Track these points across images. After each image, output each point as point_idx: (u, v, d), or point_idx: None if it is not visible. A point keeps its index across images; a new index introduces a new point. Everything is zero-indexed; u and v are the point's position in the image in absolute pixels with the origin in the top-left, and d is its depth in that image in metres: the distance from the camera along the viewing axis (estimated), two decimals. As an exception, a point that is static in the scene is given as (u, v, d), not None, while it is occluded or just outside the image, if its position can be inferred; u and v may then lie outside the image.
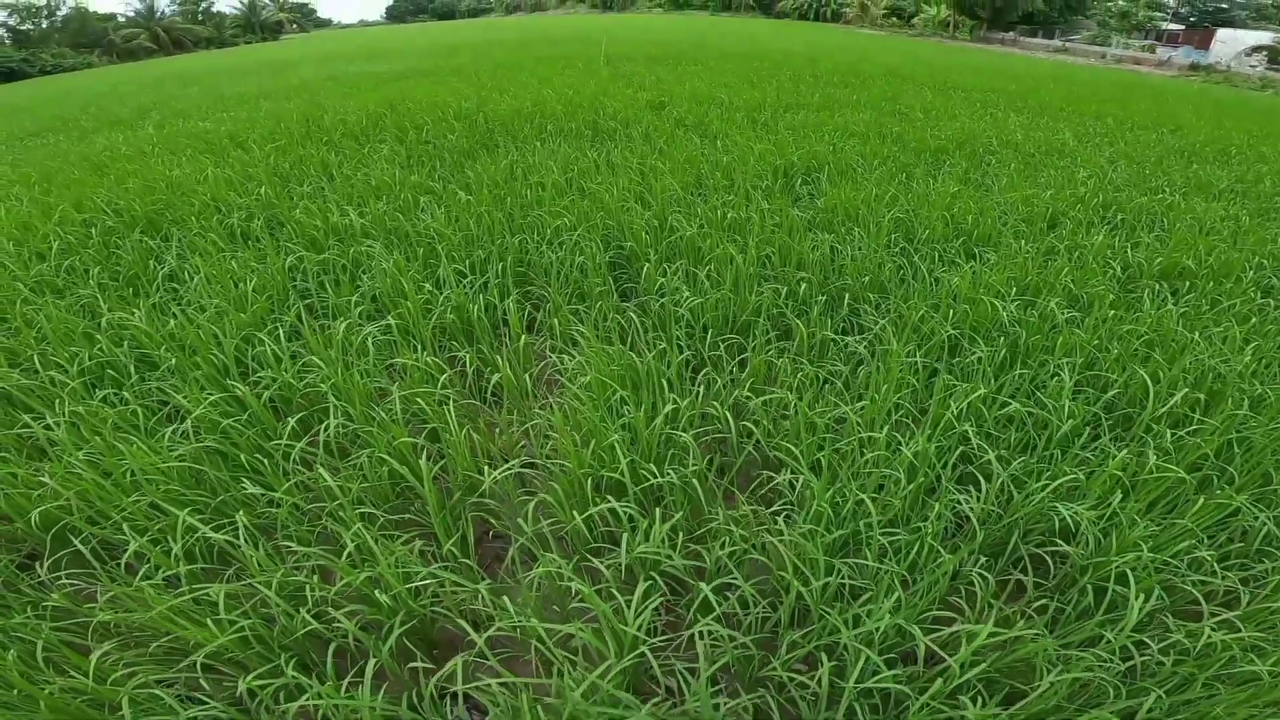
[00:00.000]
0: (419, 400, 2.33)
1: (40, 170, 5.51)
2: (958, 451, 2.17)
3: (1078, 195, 4.92)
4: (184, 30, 57.38)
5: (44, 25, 51.90)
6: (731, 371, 2.66)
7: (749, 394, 2.45)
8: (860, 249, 3.58)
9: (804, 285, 3.15)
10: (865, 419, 2.31)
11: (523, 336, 2.69)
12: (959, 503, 1.96)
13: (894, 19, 47.71)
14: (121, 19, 56.61)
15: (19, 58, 42.87)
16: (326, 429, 2.21)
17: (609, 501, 1.85)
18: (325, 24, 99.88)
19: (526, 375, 2.53)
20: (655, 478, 1.95)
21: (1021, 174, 5.37)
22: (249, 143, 5.96)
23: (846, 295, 3.12)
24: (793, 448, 2.12)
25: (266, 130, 6.30)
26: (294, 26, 79.17)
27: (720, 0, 72.07)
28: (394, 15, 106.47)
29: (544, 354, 2.95)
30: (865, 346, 2.83)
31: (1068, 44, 37.02)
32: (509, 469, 2.03)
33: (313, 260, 3.37)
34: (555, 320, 2.89)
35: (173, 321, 2.76)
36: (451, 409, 2.18)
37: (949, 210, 4.04)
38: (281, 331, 2.79)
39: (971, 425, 2.25)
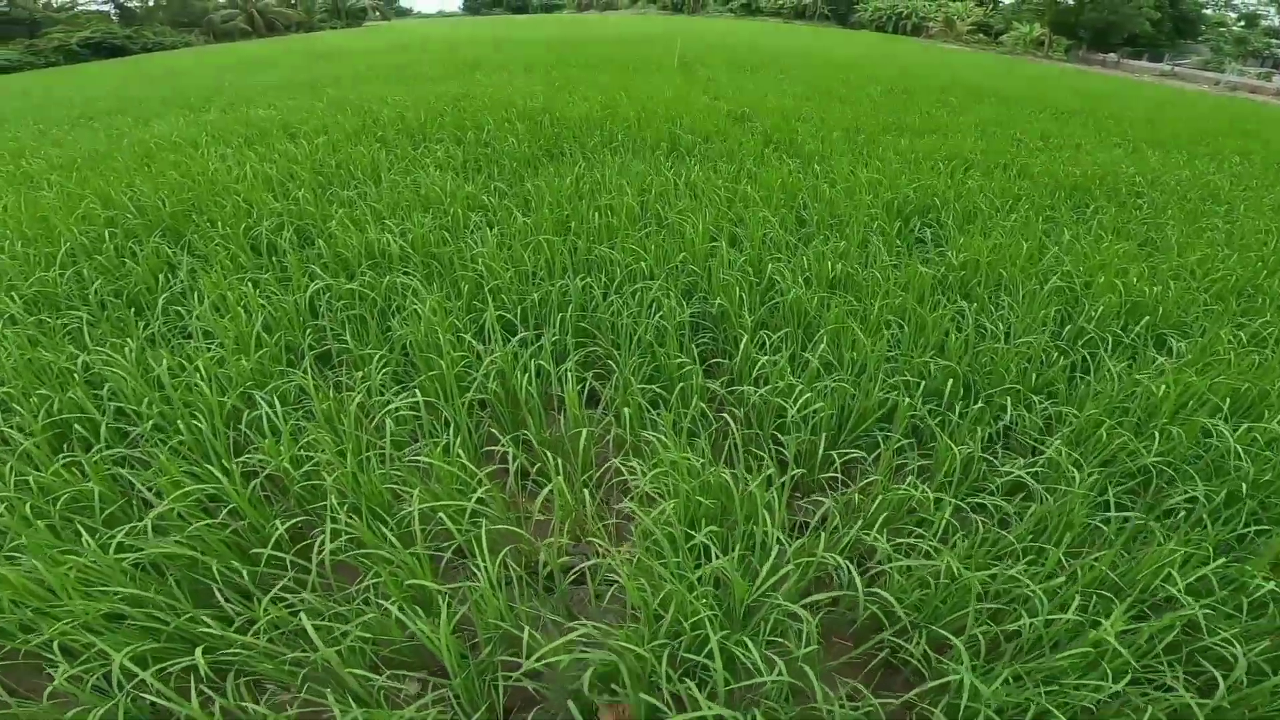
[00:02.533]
0: (444, 516, 1.73)
1: (87, 155, 5.25)
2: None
3: (1263, 257, 3.97)
4: (277, 14, 60.04)
5: (149, 3, 55.25)
6: (850, 499, 1.96)
7: (876, 535, 1.75)
8: (1011, 324, 2.80)
9: (939, 375, 2.42)
10: (1047, 589, 1.59)
11: (584, 427, 2.06)
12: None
13: (981, 35, 45.37)
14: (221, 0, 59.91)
15: (123, 34, 45.60)
16: (322, 544, 1.64)
17: (687, 687, 1.21)
18: (406, 13, 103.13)
19: (585, 488, 1.90)
20: (755, 671, 1.30)
21: (1185, 225, 4.42)
22: (301, 134, 5.57)
23: (996, 392, 2.37)
24: (949, 635, 1.43)
25: (320, 122, 5.90)
26: (376, 14, 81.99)
27: (794, 7, 70.55)
28: (470, 8, 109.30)
29: (606, 443, 2.31)
30: (1031, 472, 2.08)
31: (1176, 68, 34.18)
32: (554, 647, 1.40)
33: (340, 289, 2.83)
34: (625, 403, 2.24)
35: (164, 363, 2.24)
36: (484, 538, 1.57)
37: (1120, 277, 3.20)
38: (288, 390, 2.26)
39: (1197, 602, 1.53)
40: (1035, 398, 2.40)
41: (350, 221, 3.54)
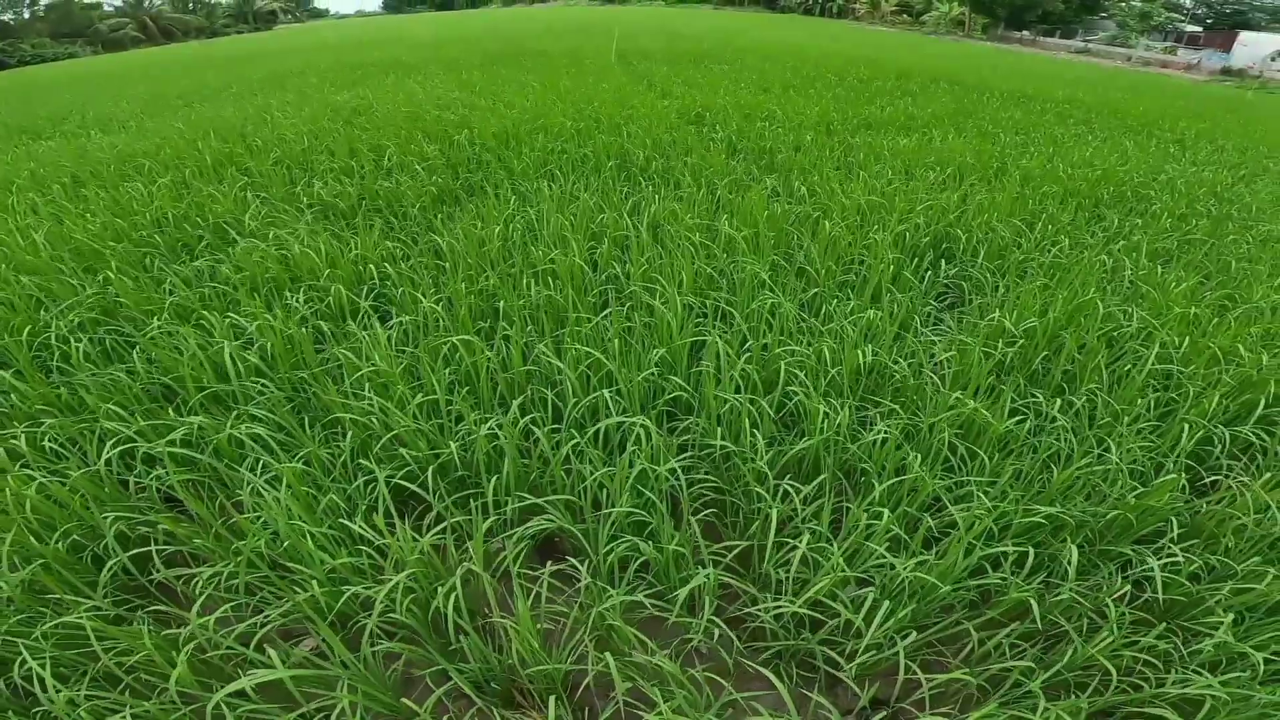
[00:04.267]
0: None
1: None
2: None
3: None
4: (173, 20, 54.99)
5: (25, 15, 49.41)
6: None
7: None
8: (1104, 424, 2.05)
9: (1041, 526, 1.63)
10: None
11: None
12: None
13: (904, 15, 46.06)
14: (109, 8, 54.14)
15: None
16: None
17: None
18: (321, 14, 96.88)
19: None
20: None
21: (1224, 244, 3.83)
22: (145, 170, 4.34)
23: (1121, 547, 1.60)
24: None
25: (172, 153, 4.65)
26: (288, 16, 76.56)
27: (722, -8, 69.98)
28: (391, 6, 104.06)
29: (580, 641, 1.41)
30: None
31: (1089, 45, 35.41)
32: None
33: (158, 447, 1.81)
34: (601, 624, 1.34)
35: None
36: None
37: (1214, 338, 2.50)
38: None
39: None
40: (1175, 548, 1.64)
41: (178, 317, 2.47)
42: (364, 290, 2.71)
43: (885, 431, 1.92)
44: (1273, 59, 31.67)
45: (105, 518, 1.63)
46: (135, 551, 1.59)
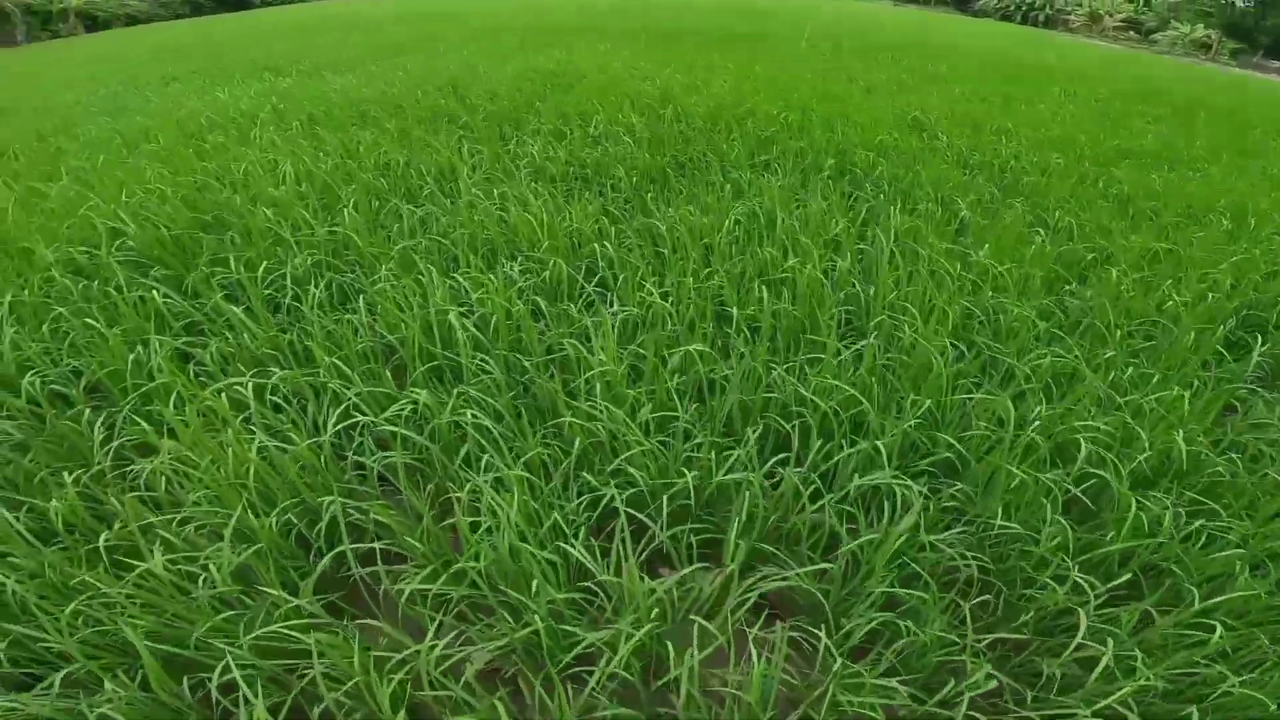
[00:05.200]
0: None
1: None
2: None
3: None
4: None
5: None
6: None
7: None
8: None
9: None
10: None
11: None
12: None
13: (1130, 32, 40.18)
14: None
15: None
16: None
17: None
18: None
19: None
20: None
21: None
22: (370, 116, 4.54)
23: None
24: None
25: (394, 100, 4.84)
26: None
27: (913, -11, 64.97)
28: None
29: None
30: None
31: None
32: None
33: (378, 422, 1.72)
34: None
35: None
36: None
37: None
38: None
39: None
40: None
41: (401, 267, 2.44)
42: (581, 267, 2.54)
43: (1209, 532, 1.48)
44: None
45: (323, 501, 1.53)
46: (355, 548, 1.46)
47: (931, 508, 1.60)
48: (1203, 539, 1.59)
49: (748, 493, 1.53)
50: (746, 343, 2.06)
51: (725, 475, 1.61)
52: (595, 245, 2.67)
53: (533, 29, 11.50)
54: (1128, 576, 1.46)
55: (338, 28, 13.32)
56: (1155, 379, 2.12)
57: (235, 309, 2.14)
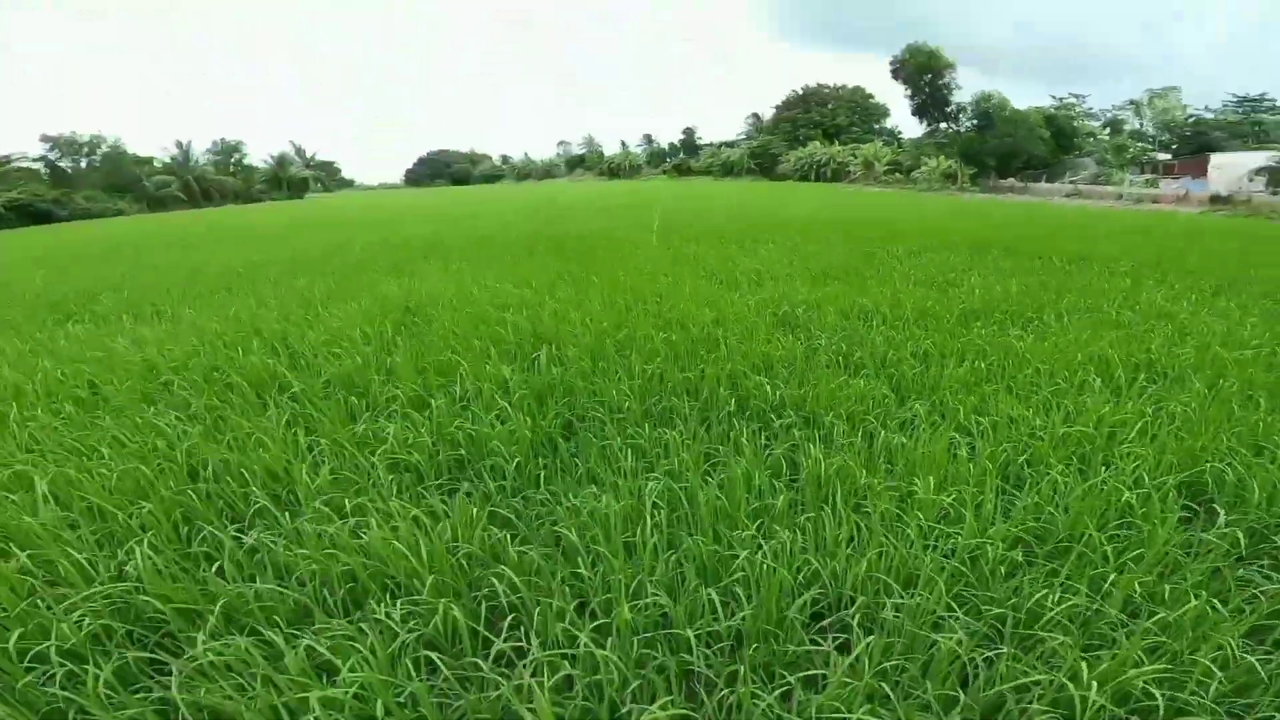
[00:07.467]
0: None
1: None
2: None
3: None
4: (214, 182, 59.61)
5: (82, 165, 51.95)
6: None
7: None
8: None
9: None
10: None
11: None
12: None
13: (895, 174, 49.60)
14: (158, 164, 58.33)
15: (50, 198, 41.82)
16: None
17: None
18: (348, 184, 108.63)
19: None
20: None
21: None
22: (152, 391, 3.82)
23: None
24: None
25: (206, 364, 4.18)
26: (319, 185, 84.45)
27: (722, 164, 77.54)
28: (412, 179, 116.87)
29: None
30: None
31: (1079, 186, 37.12)
32: None
33: None
34: None
35: None
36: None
37: None
38: None
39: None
40: None
41: (229, 623, 1.67)
42: (479, 601, 1.95)
43: None
44: (1250, 179, 32.31)
45: None
46: None
47: None
48: None
49: None
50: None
51: None
52: (490, 572, 2.10)
53: (375, 245, 11.55)
54: None
55: (159, 246, 12.57)
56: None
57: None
